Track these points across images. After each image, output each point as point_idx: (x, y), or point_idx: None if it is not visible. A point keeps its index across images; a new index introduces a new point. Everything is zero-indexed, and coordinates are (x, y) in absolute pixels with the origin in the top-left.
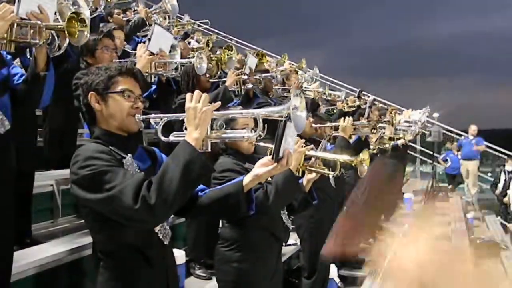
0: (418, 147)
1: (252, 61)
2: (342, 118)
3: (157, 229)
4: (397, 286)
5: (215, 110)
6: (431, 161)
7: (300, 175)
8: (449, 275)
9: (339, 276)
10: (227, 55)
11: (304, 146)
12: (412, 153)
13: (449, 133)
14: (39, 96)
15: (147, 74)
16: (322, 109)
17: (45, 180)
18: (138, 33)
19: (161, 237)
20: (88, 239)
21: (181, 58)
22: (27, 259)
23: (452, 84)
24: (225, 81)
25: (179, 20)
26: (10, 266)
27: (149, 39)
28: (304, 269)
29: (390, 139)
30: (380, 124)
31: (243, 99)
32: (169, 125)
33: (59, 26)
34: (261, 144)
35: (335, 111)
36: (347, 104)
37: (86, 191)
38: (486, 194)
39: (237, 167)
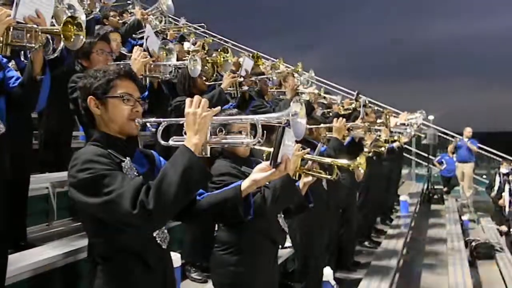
0: (413, 149)
1: (247, 63)
2: (335, 119)
3: (155, 233)
4: None
5: (214, 116)
6: (426, 164)
7: (297, 178)
8: None
9: (335, 279)
10: (223, 57)
11: (301, 150)
12: (408, 156)
13: (444, 136)
14: (35, 99)
15: (141, 77)
16: (318, 112)
17: (40, 183)
18: (134, 35)
19: (159, 241)
20: (84, 242)
21: (176, 60)
22: (22, 262)
23: (448, 86)
24: (221, 84)
25: (176, 23)
26: (4, 269)
27: (146, 38)
28: (297, 271)
29: (386, 141)
30: (376, 127)
31: (239, 101)
32: (165, 128)
33: (55, 30)
34: (257, 147)
35: (331, 114)
36: (343, 107)
37: (84, 194)
38: (481, 196)
39: (233, 170)
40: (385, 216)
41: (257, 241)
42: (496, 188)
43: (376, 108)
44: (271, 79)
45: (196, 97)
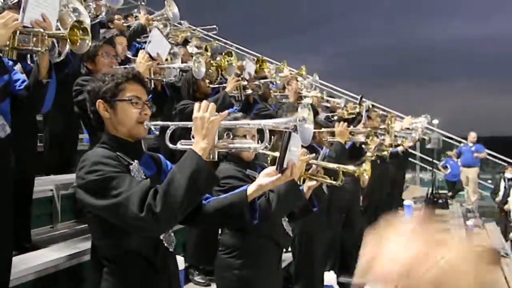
0: (418, 154)
1: (250, 67)
2: (337, 123)
3: (162, 236)
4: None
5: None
6: (431, 168)
7: (301, 182)
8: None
9: (338, 283)
10: (227, 61)
11: (306, 155)
12: (412, 160)
13: (449, 140)
14: (41, 102)
15: (146, 80)
16: (321, 116)
17: (45, 185)
18: (138, 39)
19: (166, 244)
20: (88, 245)
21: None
22: (26, 264)
23: (452, 89)
24: (225, 87)
25: (177, 26)
26: (9, 271)
27: (149, 42)
28: (294, 274)
29: (390, 145)
30: (380, 131)
31: (243, 105)
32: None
33: (62, 34)
34: (262, 151)
35: (335, 118)
36: (347, 111)
37: (92, 196)
38: (486, 201)
39: (238, 173)
40: None
41: (261, 244)
42: (501, 193)
43: (380, 112)
44: (274, 82)
45: (204, 102)
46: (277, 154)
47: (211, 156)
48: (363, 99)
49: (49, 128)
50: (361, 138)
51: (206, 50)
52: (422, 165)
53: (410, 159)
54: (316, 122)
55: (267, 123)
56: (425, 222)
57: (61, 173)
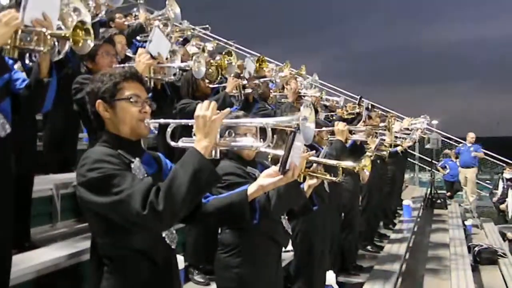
0: (417, 154)
1: (250, 66)
2: (336, 122)
3: (164, 233)
4: None
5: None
6: (429, 168)
7: (302, 180)
8: None
9: (337, 282)
10: (227, 60)
11: (306, 152)
12: (411, 160)
13: (448, 141)
14: (41, 102)
15: (146, 78)
16: (321, 115)
17: (45, 184)
18: (138, 38)
19: (168, 242)
20: (87, 244)
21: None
22: (26, 263)
23: (450, 90)
24: (225, 87)
25: (179, 26)
26: (8, 270)
27: (150, 41)
28: (293, 272)
29: (390, 145)
30: (379, 131)
31: (243, 104)
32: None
33: (64, 34)
34: (262, 150)
35: (334, 118)
36: (347, 111)
37: (93, 193)
38: (484, 201)
39: (238, 170)
40: (388, 220)
41: (260, 243)
42: (499, 193)
43: (380, 112)
44: (274, 81)
45: (206, 101)
46: (277, 152)
47: (213, 154)
48: (362, 99)
49: (49, 127)
50: (361, 136)
51: (203, 51)
52: (421, 165)
53: (409, 159)
54: (315, 121)
55: (270, 122)
56: None
57: (60, 172)
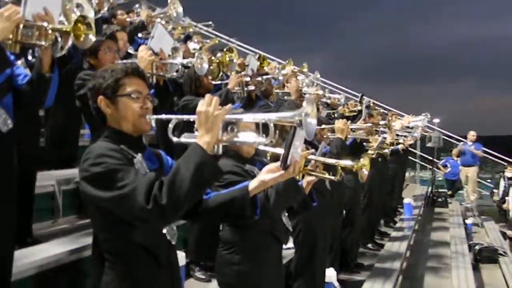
0: (418, 152)
1: (253, 63)
2: (337, 120)
3: (164, 229)
4: None
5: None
6: (430, 167)
7: (300, 177)
8: None
9: (338, 280)
10: (228, 57)
11: (305, 150)
12: (412, 159)
13: (449, 139)
14: (43, 97)
15: (148, 75)
16: (323, 113)
17: (47, 180)
18: (139, 35)
19: (169, 238)
20: (89, 240)
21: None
22: (28, 258)
23: (452, 89)
24: (227, 84)
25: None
26: (10, 265)
27: (152, 37)
28: (295, 269)
29: (391, 144)
30: (380, 129)
31: (245, 101)
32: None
33: (65, 29)
34: (262, 147)
35: (336, 115)
36: (348, 108)
37: (96, 188)
38: (485, 200)
39: (237, 169)
40: (389, 218)
41: (261, 240)
42: (500, 192)
43: (381, 110)
44: (276, 79)
45: (208, 96)
46: (276, 150)
47: (215, 150)
48: (363, 97)
49: (51, 123)
50: (361, 134)
51: (200, 50)
52: (422, 163)
53: (410, 157)
54: (317, 119)
55: (272, 117)
56: None
57: (62, 168)
